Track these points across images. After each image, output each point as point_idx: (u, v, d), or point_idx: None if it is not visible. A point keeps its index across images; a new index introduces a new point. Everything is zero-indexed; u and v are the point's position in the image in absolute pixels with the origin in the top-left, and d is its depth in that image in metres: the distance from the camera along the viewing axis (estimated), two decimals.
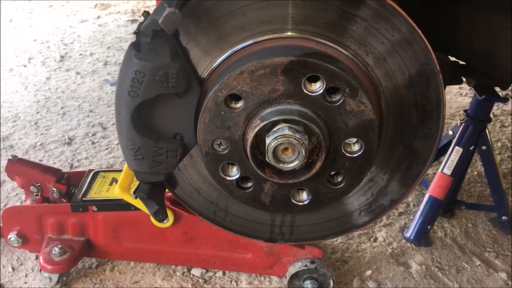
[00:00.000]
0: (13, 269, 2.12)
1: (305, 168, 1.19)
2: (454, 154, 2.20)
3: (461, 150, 2.20)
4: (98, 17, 4.65)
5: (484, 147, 2.23)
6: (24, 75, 3.67)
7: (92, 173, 2.14)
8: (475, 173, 2.69)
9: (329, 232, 1.42)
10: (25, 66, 3.80)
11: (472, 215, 2.40)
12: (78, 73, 3.67)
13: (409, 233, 2.25)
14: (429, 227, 2.23)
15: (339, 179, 1.24)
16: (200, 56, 1.23)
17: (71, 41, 4.17)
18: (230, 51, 1.21)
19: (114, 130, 3.01)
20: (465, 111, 2.24)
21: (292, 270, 1.96)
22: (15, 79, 3.63)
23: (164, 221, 1.93)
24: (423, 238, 2.23)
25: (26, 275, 2.09)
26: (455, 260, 2.16)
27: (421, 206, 2.24)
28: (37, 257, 2.13)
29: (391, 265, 2.14)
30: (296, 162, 1.16)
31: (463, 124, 2.22)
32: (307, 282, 1.96)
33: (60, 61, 3.85)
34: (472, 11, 1.49)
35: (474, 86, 2.03)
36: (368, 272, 2.10)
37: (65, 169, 2.66)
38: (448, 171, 2.20)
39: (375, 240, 2.26)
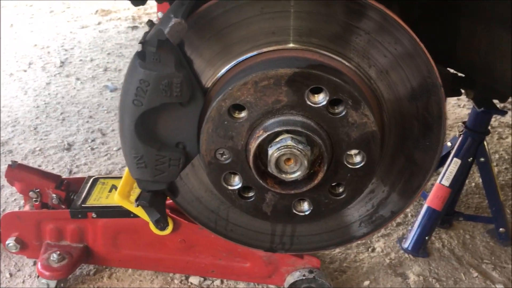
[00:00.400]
0: (11, 275, 2.11)
1: (307, 178, 1.20)
2: (452, 166, 2.21)
3: (459, 161, 2.21)
4: (99, 23, 4.66)
5: (482, 159, 2.24)
6: (24, 80, 3.68)
7: (91, 179, 2.14)
8: (473, 184, 2.70)
9: (329, 242, 1.42)
10: (25, 71, 3.81)
11: (470, 227, 2.40)
12: (78, 79, 3.68)
13: (407, 243, 2.25)
14: (427, 238, 2.23)
15: (341, 190, 1.25)
16: (204, 66, 1.24)
17: (72, 47, 4.18)
18: (234, 62, 1.22)
19: (114, 136, 3.01)
20: (464, 122, 2.25)
21: (290, 279, 1.96)
22: (15, 84, 3.63)
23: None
24: (421, 249, 2.23)
25: (23, 281, 2.09)
26: (452, 272, 2.16)
27: (419, 217, 2.24)
28: (35, 263, 2.12)
29: (389, 276, 2.14)
30: (298, 173, 1.16)
31: (461, 135, 2.23)
32: None
33: (60, 66, 3.86)
34: (472, 23, 1.50)
35: (473, 98, 2.04)
36: (366, 283, 2.10)
37: (64, 175, 2.66)
38: (446, 182, 2.21)
39: (373, 250, 2.27)
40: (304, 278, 1.94)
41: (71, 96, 3.46)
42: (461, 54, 1.57)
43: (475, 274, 2.15)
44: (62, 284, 2.00)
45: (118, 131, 3.05)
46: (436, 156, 1.27)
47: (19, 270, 2.13)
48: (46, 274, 1.94)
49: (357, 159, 1.21)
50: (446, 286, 2.09)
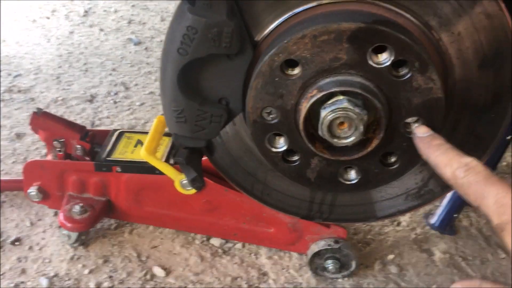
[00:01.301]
0: (32, 223, 2.09)
1: (358, 145, 1.11)
2: None
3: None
4: None
5: None
6: (47, 27, 3.59)
7: (117, 133, 2.08)
8: (504, 163, 2.60)
9: (369, 214, 1.33)
10: (48, 18, 3.71)
11: None
12: (101, 30, 3.58)
13: (434, 219, 2.19)
14: (455, 215, 2.17)
15: (393, 160, 1.15)
16: (255, 16, 1.13)
17: None
18: (289, 13, 1.11)
19: (137, 91, 2.95)
20: None
21: (314, 248, 1.91)
22: (37, 30, 3.55)
23: (188, 188, 1.88)
24: (448, 226, 2.17)
25: (44, 231, 2.07)
26: (479, 251, 2.10)
27: (449, 194, 2.17)
28: (55, 214, 2.10)
29: (414, 251, 2.09)
30: (352, 138, 1.07)
31: None
32: (329, 261, 1.91)
33: (84, 16, 3.76)
34: None
35: None
36: (390, 256, 2.06)
37: (87, 126, 2.60)
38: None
39: (399, 224, 2.21)
40: (329, 247, 1.89)
41: (94, 47, 3.38)
42: None
43: (503, 256, 2.09)
44: (83, 237, 1.98)
45: (141, 86, 3.00)
46: (501, 130, 1.17)
47: (39, 220, 2.11)
48: (68, 225, 1.92)
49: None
50: (473, 265, 2.04)
